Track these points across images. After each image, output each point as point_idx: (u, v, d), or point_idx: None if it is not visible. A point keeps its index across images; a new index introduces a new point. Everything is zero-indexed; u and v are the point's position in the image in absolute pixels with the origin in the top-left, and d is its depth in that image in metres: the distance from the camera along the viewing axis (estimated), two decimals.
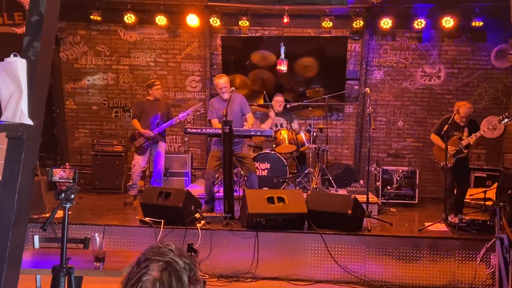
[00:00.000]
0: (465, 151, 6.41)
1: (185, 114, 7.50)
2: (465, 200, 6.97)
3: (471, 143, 6.38)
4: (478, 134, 6.31)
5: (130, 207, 7.33)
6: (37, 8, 2.38)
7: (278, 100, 8.30)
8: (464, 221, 5.86)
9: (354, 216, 5.66)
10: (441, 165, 6.46)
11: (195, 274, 1.41)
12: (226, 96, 6.55)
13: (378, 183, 8.15)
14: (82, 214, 6.53)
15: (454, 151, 6.42)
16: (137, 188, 7.60)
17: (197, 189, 7.63)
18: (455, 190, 6.68)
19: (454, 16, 8.39)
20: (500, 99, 9.08)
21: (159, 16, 8.86)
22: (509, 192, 6.09)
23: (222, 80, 6.62)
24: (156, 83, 7.66)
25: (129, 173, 8.56)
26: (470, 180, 6.98)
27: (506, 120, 6.09)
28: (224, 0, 8.71)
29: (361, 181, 8.35)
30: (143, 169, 7.95)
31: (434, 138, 6.72)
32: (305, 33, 9.36)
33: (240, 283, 5.45)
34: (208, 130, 6.83)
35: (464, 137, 6.43)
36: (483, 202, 7.34)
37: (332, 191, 7.62)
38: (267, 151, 7.72)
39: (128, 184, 7.67)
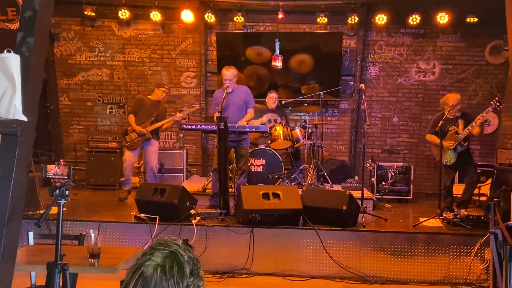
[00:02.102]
0: (465, 144, 6.38)
1: (181, 117, 7.50)
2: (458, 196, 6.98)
3: (473, 132, 6.32)
4: (474, 124, 6.26)
5: (125, 203, 7.32)
6: (30, 4, 2.37)
7: (272, 97, 8.30)
8: (458, 216, 5.88)
9: (349, 212, 5.67)
10: (444, 162, 6.47)
11: (198, 268, 1.44)
12: (228, 89, 6.48)
13: (373, 179, 8.17)
14: (77, 210, 6.51)
15: (454, 146, 6.40)
16: (130, 183, 7.56)
17: (192, 185, 7.61)
18: (465, 185, 6.72)
19: (449, 12, 8.41)
20: (494, 94, 9.10)
21: (153, 12, 8.83)
22: (503, 187, 6.13)
23: (228, 72, 6.55)
24: (165, 86, 7.74)
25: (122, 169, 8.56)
26: (477, 176, 6.91)
27: (498, 104, 6.07)
28: None
29: (356, 177, 8.35)
30: (137, 165, 7.92)
31: (430, 137, 6.69)
32: (300, 29, 9.36)
33: (235, 279, 5.46)
34: (203, 126, 6.81)
35: (460, 130, 6.40)
36: (477, 198, 7.38)
37: (327, 187, 7.63)
38: (262, 147, 7.72)
39: (121, 179, 7.63)
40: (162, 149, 9.25)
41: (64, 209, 2.91)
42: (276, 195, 5.76)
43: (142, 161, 8.55)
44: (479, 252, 5.41)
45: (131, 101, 9.33)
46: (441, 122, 6.24)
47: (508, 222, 4.48)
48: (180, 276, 1.38)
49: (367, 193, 7.19)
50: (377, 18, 8.73)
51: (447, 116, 6.44)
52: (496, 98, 6.16)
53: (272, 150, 7.61)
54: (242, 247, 5.57)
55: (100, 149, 8.78)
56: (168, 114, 7.89)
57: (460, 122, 6.43)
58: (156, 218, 5.66)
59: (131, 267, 1.42)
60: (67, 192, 2.85)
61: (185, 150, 8.92)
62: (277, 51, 7.98)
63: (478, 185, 7.47)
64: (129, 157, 7.43)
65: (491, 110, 6.18)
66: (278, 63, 8.03)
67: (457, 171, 6.89)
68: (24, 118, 2.27)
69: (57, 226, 2.88)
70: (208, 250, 5.57)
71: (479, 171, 8.24)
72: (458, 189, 7.30)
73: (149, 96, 7.68)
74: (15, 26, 6.98)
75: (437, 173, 6.67)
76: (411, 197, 8.06)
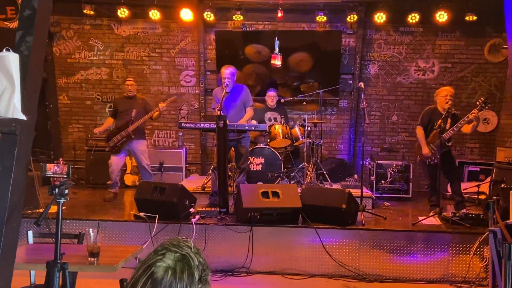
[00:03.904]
0: (449, 144, 6.31)
1: (161, 109, 7.21)
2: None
3: (463, 130, 6.25)
4: (459, 125, 6.12)
5: (127, 202, 7.32)
6: (29, 2, 2.37)
7: (271, 95, 8.32)
8: (457, 214, 5.89)
9: (348, 210, 5.68)
10: (427, 162, 6.42)
11: (206, 274, 1.45)
12: (227, 88, 6.48)
13: (372, 178, 8.17)
14: (76, 209, 6.52)
15: (435, 150, 6.29)
16: (118, 186, 7.47)
17: (192, 184, 7.61)
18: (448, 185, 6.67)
19: (448, 11, 8.41)
20: (494, 93, 9.12)
21: (152, 11, 8.82)
22: (502, 185, 6.12)
23: (227, 71, 6.52)
24: (127, 79, 7.46)
25: (123, 167, 8.54)
26: (460, 172, 6.83)
27: (483, 105, 5.98)
28: None
29: (355, 176, 8.37)
30: (136, 164, 7.88)
31: (419, 131, 6.59)
32: (299, 27, 9.36)
33: (235, 277, 5.46)
34: (202, 125, 6.80)
35: (447, 128, 6.27)
36: (476, 196, 7.38)
37: (326, 186, 7.64)
38: (261, 146, 7.73)
39: (108, 182, 7.51)
40: (161, 147, 9.28)
41: (63, 208, 2.91)
42: (275, 194, 5.76)
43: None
44: (478, 250, 5.42)
45: None
46: (440, 120, 6.18)
47: (507, 221, 4.48)
48: (190, 282, 1.38)
49: (366, 192, 7.20)
50: (376, 16, 8.72)
51: (438, 109, 6.40)
52: (482, 99, 5.99)
53: (271, 149, 7.62)
54: (242, 246, 5.58)
55: (99, 148, 8.76)
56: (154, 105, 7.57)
57: (448, 122, 6.32)
58: (155, 216, 5.66)
59: (141, 264, 1.42)
60: (66, 191, 2.85)
61: (184, 149, 8.92)
62: (277, 50, 7.98)
63: (478, 183, 7.47)
64: (115, 161, 7.27)
65: (477, 111, 5.97)
66: (277, 62, 8.03)
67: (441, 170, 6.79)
68: (23, 117, 2.27)
69: (57, 225, 2.88)
70: (207, 248, 5.58)
71: (478, 169, 8.26)
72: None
73: (124, 94, 7.55)
74: (14, 25, 6.97)
75: (425, 174, 6.65)
76: (410, 196, 8.07)
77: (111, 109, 7.53)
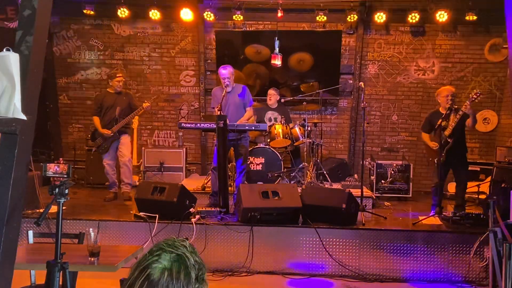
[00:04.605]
0: (450, 140, 6.27)
1: (146, 108, 7.23)
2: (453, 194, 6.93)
3: (454, 124, 6.24)
4: (456, 119, 6.14)
5: (127, 202, 7.33)
6: (29, 2, 2.37)
7: (270, 93, 8.31)
8: (458, 214, 5.88)
9: (349, 210, 5.68)
10: (435, 161, 6.42)
11: (203, 274, 1.43)
12: (228, 88, 6.48)
13: (372, 177, 8.17)
14: (77, 209, 6.51)
15: (438, 147, 6.29)
16: (116, 186, 7.49)
17: (192, 184, 7.61)
18: (455, 185, 6.68)
19: (448, 10, 8.40)
20: (494, 93, 9.12)
21: (152, 11, 8.82)
22: (503, 185, 6.12)
23: (225, 71, 6.52)
24: (117, 75, 7.37)
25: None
26: (468, 175, 6.80)
27: (475, 97, 6.00)
28: None
29: (356, 175, 8.37)
30: (136, 163, 7.86)
31: (424, 136, 6.64)
32: (299, 27, 9.35)
33: (235, 277, 5.46)
34: (202, 125, 6.79)
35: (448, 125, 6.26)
36: (476, 196, 7.39)
37: (326, 186, 7.64)
38: (261, 146, 7.72)
39: (106, 183, 7.56)
40: (161, 147, 9.28)
41: (63, 207, 2.91)
42: (275, 194, 5.77)
43: (141, 160, 8.57)
44: (478, 250, 5.42)
45: None
46: (440, 120, 6.19)
47: (508, 220, 4.49)
48: (187, 281, 1.37)
49: (367, 192, 7.20)
50: (376, 16, 8.72)
51: (439, 111, 6.42)
52: (475, 90, 6.08)
53: (272, 149, 7.61)
54: (242, 246, 5.58)
55: None
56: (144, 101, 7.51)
57: (452, 118, 6.30)
58: (156, 216, 5.67)
59: (136, 265, 1.41)
60: (66, 191, 2.85)
61: (184, 149, 8.92)
62: (277, 50, 7.97)
63: (478, 183, 7.47)
64: (106, 162, 7.30)
65: (469, 103, 6.00)
66: (277, 62, 8.02)
67: (449, 169, 6.69)
68: (24, 117, 2.27)
69: (57, 225, 2.88)
70: (207, 248, 5.58)
71: (478, 169, 8.26)
72: (453, 187, 7.31)
73: (108, 90, 7.47)
74: (14, 24, 6.98)
75: (435, 173, 6.64)
76: (410, 195, 8.07)
77: (96, 106, 7.39)
